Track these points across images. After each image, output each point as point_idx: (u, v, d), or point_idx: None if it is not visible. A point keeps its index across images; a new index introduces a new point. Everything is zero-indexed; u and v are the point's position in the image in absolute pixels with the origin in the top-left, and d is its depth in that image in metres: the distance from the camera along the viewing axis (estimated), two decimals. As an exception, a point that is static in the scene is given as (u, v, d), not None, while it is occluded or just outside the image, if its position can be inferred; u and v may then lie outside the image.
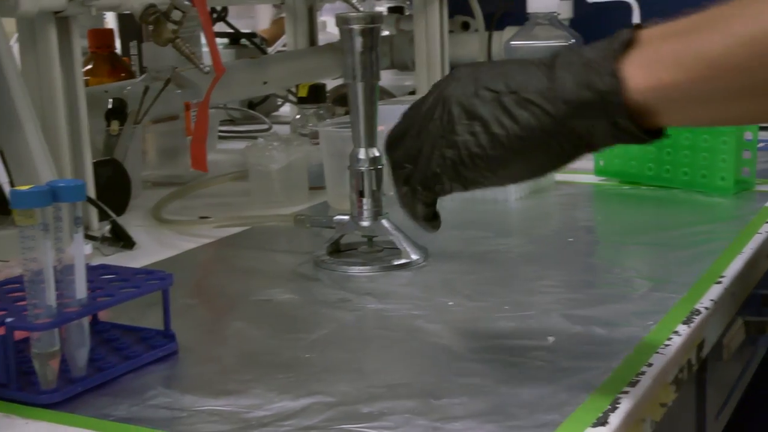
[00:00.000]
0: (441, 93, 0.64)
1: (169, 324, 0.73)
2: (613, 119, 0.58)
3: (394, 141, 0.67)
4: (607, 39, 0.59)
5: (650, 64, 0.57)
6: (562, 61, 0.60)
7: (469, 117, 0.62)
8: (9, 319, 0.64)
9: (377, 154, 0.94)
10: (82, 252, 0.65)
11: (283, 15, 1.91)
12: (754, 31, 0.53)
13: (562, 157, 0.61)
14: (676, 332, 0.73)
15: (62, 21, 1.02)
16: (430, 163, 0.64)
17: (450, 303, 0.82)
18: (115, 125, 1.23)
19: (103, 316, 0.75)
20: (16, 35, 1.05)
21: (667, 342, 0.71)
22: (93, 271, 0.72)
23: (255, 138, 1.32)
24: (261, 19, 2.47)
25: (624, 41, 0.58)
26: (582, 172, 1.26)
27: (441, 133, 0.63)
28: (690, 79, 0.56)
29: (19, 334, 0.65)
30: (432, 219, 0.69)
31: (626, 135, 0.59)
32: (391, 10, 2.02)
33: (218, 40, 1.44)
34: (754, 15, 0.54)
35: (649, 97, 0.57)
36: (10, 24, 0.98)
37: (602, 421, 0.59)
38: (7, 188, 0.89)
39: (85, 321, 0.66)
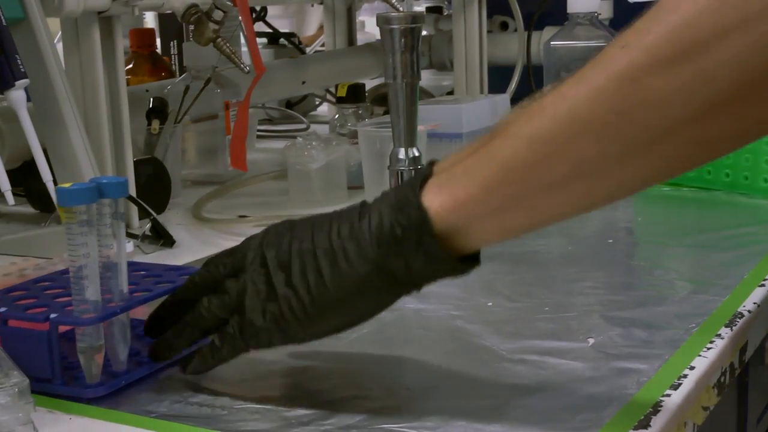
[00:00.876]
0: (258, 247, 0.63)
1: None
2: (424, 250, 0.57)
3: (204, 287, 0.65)
4: (415, 173, 0.59)
5: (445, 186, 0.57)
6: (373, 205, 0.60)
7: (284, 271, 0.61)
8: (53, 315, 0.64)
9: (417, 154, 0.94)
10: (124, 248, 0.66)
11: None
12: (534, 131, 0.54)
13: (384, 300, 0.61)
14: (718, 335, 0.72)
15: (105, 21, 1.03)
16: (249, 315, 0.62)
17: (489, 303, 0.82)
18: (155, 124, 1.24)
19: (137, 313, 0.76)
20: (59, 34, 1.06)
21: (709, 345, 0.70)
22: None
23: (294, 137, 1.32)
24: (309, 24, 2.48)
25: (423, 173, 0.59)
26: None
27: (260, 287, 0.61)
28: (483, 187, 0.56)
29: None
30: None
31: (440, 264, 0.58)
32: (429, 9, 2.01)
33: (257, 40, 1.44)
34: (534, 116, 0.54)
35: (452, 218, 0.57)
36: (54, 24, 0.99)
37: (644, 424, 0.58)
38: (50, 186, 0.90)
39: (126, 316, 0.67)
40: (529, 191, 0.55)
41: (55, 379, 0.65)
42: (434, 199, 0.57)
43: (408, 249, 0.58)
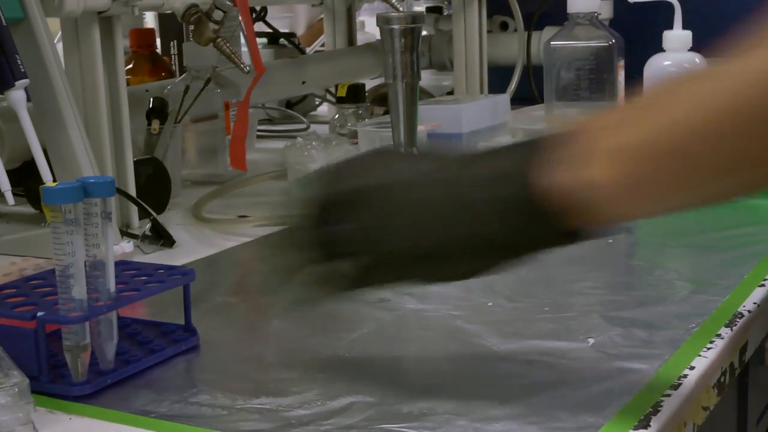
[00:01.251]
0: (368, 187, 0.61)
1: (190, 318, 0.73)
2: (538, 224, 0.56)
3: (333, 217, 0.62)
4: (528, 139, 0.57)
5: (581, 162, 0.54)
6: (480, 170, 0.58)
7: (396, 213, 0.59)
8: (40, 313, 0.65)
9: (417, 154, 0.94)
10: (111, 247, 0.66)
11: (320, 17, 1.92)
12: (691, 115, 0.51)
13: (490, 262, 0.61)
14: (718, 335, 0.72)
15: (105, 21, 1.03)
16: (376, 251, 0.61)
17: (489, 303, 0.82)
18: (155, 124, 1.24)
19: (126, 312, 0.76)
20: (59, 34, 1.06)
21: (709, 345, 0.70)
22: (115, 268, 0.72)
23: (294, 137, 1.32)
24: (299, 24, 2.48)
25: (538, 145, 0.56)
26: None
27: (376, 229, 0.60)
28: (630, 171, 0.53)
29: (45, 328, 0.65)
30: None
31: (550, 238, 0.58)
32: (429, 9, 2.02)
33: (257, 40, 1.44)
34: (691, 97, 0.51)
35: (581, 197, 0.54)
36: (54, 23, 0.99)
37: (644, 424, 0.58)
38: (50, 186, 0.90)
39: (113, 314, 0.67)
40: (678, 178, 0.52)
41: (42, 377, 0.65)
42: (557, 177, 0.54)
43: (523, 220, 0.57)
